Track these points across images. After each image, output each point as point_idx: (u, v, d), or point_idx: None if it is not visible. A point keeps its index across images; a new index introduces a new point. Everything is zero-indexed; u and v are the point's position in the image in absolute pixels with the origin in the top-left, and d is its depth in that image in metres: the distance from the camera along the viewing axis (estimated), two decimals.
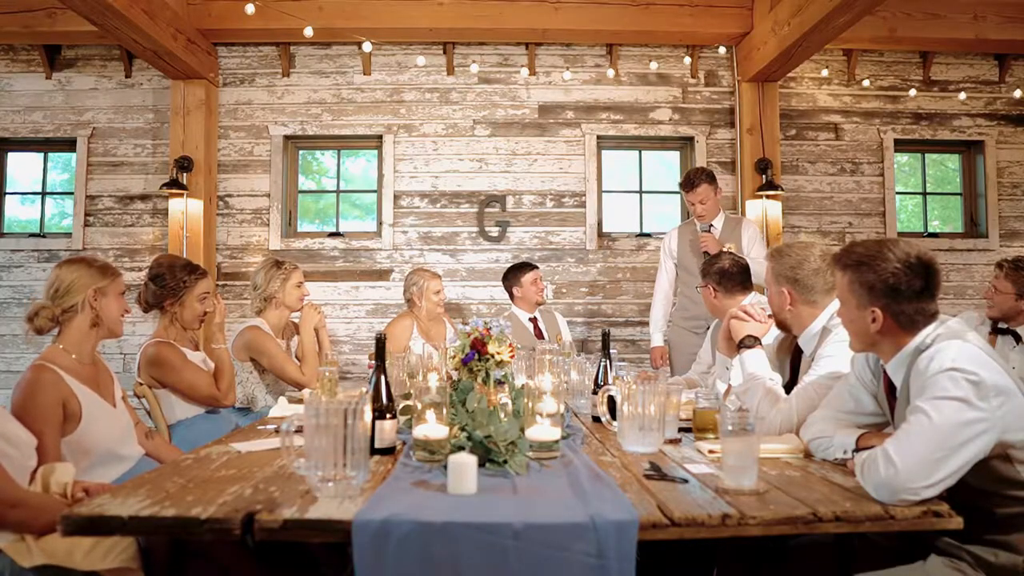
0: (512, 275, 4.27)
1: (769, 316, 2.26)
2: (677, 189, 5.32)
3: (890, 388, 1.65)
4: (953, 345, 1.44)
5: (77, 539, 1.56)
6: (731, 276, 2.80)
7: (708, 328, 3.88)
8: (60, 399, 1.97)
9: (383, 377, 1.79)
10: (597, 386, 2.28)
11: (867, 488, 1.38)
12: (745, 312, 2.26)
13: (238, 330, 3.27)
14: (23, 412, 1.90)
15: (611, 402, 2.04)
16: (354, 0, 4.80)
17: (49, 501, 1.65)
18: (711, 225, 4.00)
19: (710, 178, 3.97)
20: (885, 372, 1.65)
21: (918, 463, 1.32)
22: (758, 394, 2.02)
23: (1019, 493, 1.43)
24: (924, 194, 5.57)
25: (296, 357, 3.35)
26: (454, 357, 2.11)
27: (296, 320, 3.43)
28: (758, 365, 2.12)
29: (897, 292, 1.54)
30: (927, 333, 1.54)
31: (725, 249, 3.79)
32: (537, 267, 4.30)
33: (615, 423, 1.95)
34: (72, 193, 5.17)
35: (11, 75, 5.18)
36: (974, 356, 1.42)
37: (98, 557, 1.59)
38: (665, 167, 5.49)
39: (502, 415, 1.73)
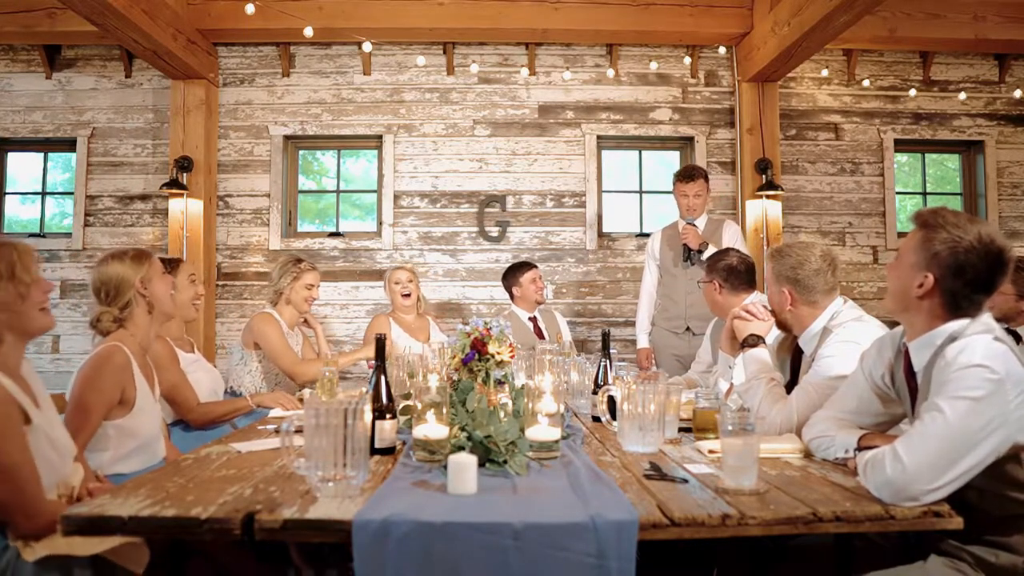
0: (511, 274, 4.27)
1: (772, 314, 2.26)
2: None
3: (910, 370, 1.60)
4: (983, 340, 1.40)
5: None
6: (738, 274, 2.79)
7: (686, 330, 3.94)
8: (121, 385, 2.03)
9: (383, 377, 1.79)
10: (597, 386, 2.28)
11: (869, 487, 1.37)
12: (748, 312, 2.26)
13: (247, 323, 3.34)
14: (87, 384, 1.98)
15: (611, 402, 2.04)
16: (354, 0, 4.80)
17: (61, 511, 1.64)
18: (694, 221, 4.02)
19: (706, 176, 4.05)
20: (907, 352, 1.60)
21: (927, 465, 1.31)
22: (759, 393, 2.02)
23: (1021, 495, 1.43)
24: (924, 194, 5.57)
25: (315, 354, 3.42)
26: (454, 357, 2.11)
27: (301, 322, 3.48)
28: (761, 364, 2.11)
29: (960, 271, 1.47)
30: (962, 325, 1.48)
31: (703, 244, 3.83)
32: (536, 266, 4.29)
33: (615, 423, 1.95)
34: (72, 193, 5.17)
35: (11, 75, 5.18)
36: (1003, 355, 1.38)
37: (98, 540, 1.58)
38: (665, 167, 5.49)
39: (502, 415, 1.73)
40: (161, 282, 2.26)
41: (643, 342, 4.19)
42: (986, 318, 1.50)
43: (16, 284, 1.65)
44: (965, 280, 1.47)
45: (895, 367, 1.67)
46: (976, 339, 1.42)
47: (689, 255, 3.93)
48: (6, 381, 1.57)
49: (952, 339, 1.46)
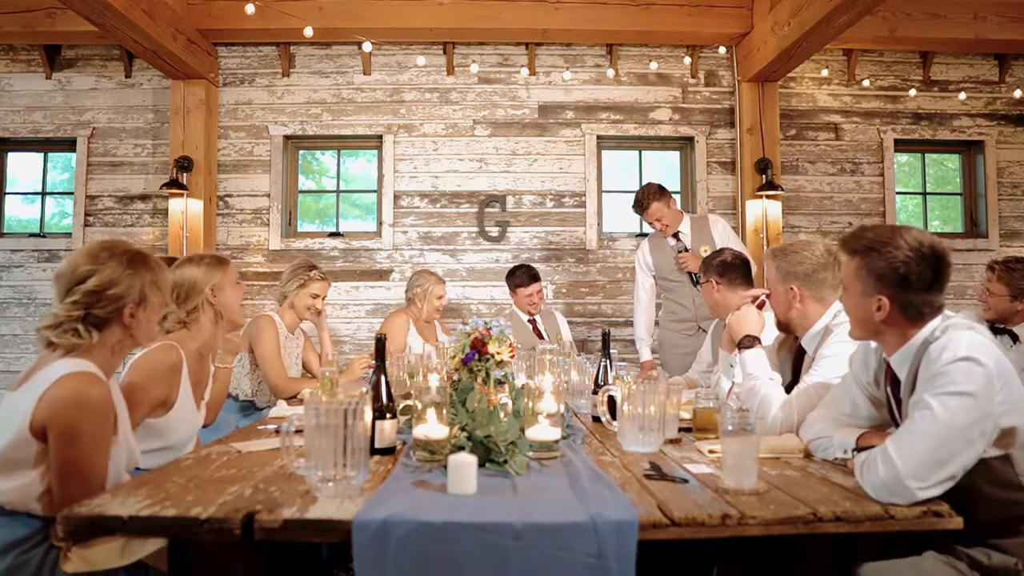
0: (510, 279, 4.21)
1: (775, 315, 2.26)
2: (677, 189, 5.35)
3: (894, 382, 1.62)
4: (966, 335, 1.42)
5: (112, 544, 1.56)
6: (734, 268, 2.78)
7: (699, 330, 3.88)
8: (168, 387, 2.02)
9: (383, 377, 1.79)
10: (597, 386, 2.28)
11: (866, 488, 1.38)
12: (752, 299, 2.27)
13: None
14: (139, 379, 1.95)
15: (611, 402, 2.03)
16: (354, 0, 4.80)
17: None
18: (685, 246, 3.95)
19: (658, 194, 3.91)
20: (888, 365, 1.62)
21: (919, 464, 1.31)
22: (758, 394, 2.02)
23: (1014, 496, 1.43)
24: (924, 194, 5.58)
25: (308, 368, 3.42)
26: (454, 357, 2.11)
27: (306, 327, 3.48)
28: (758, 365, 2.11)
29: (906, 282, 1.50)
30: (934, 326, 1.51)
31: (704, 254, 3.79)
32: (538, 280, 4.18)
33: (615, 423, 1.95)
34: (72, 193, 5.18)
35: (11, 75, 5.18)
36: (986, 347, 1.40)
37: (136, 548, 1.59)
38: (665, 167, 5.49)
39: (502, 415, 1.73)
40: (234, 291, 2.29)
41: (646, 355, 4.13)
42: (959, 317, 1.53)
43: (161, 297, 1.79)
44: (915, 289, 1.51)
45: (879, 377, 1.69)
46: (959, 334, 1.43)
47: (695, 280, 3.86)
48: (116, 391, 1.66)
49: (928, 342, 1.48)
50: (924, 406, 1.37)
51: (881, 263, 1.52)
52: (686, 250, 3.94)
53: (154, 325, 1.78)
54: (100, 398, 1.56)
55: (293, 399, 2.92)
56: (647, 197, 3.92)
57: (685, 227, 3.99)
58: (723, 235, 3.93)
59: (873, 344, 1.72)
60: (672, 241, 4.00)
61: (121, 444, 1.66)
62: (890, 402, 1.66)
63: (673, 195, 4.02)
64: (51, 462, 1.52)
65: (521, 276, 4.18)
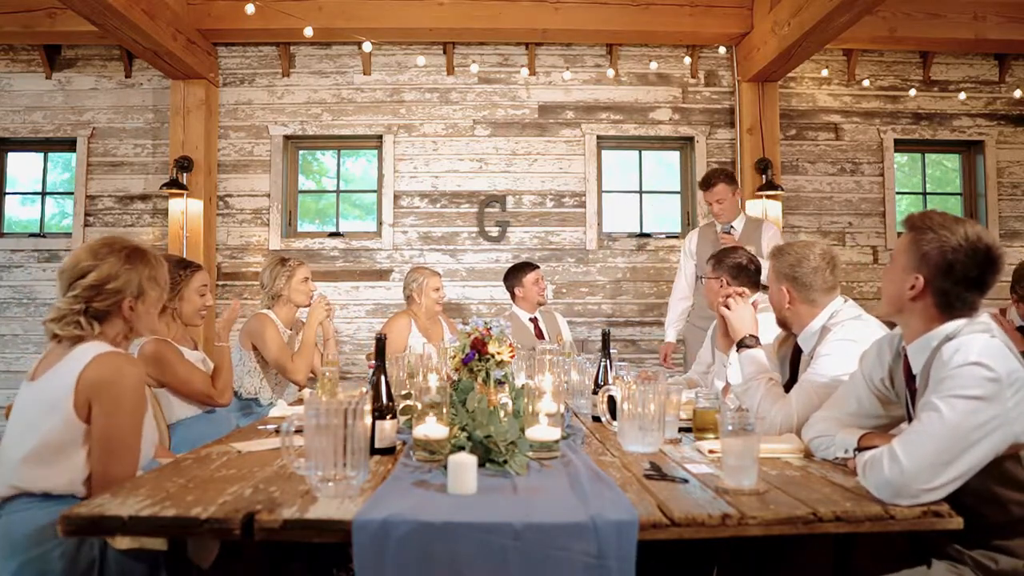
0: (513, 275, 4.27)
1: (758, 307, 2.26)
2: (677, 189, 5.35)
3: (909, 373, 1.61)
4: (980, 339, 1.41)
5: None
6: (747, 273, 2.74)
7: None
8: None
9: (383, 377, 1.79)
10: (597, 386, 2.28)
11: (868, 487, 1.37)
12: (735, 297, 2.25)
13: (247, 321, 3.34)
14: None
15: (611, 402, 2.03)
16: (354, 0, 4.80)
17: None
18: (731, 226, 3.99)
19: (728, 178, 4.00)
20: (905, 355, 1.61)
21: (925, 465, 1.31)
22: (758, 394, 2.02)
23: (1021, 496, 1.42)
24: (924, 194, 5.57)
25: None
26: (454, 357, 2.11)
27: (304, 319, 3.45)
28: (758, 364, 2.11)
29: (949, 269, 1.48)
30: (959, 325, 1.49)
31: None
32: (538, 267, 4.30)
33: (615, 423, 1.95)
34: (72, 193, 5.17)
35: (11, 75, 5.18)
36: (1000, 352, 1.39)
37: None
38: (665, 167, 5.49)
39: (502, 415, 1.73)
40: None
41: (670, 336, 4.21)
42: (984, 318, 1.50)
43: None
44: (955, 279, 1.49)
45: (894, 370, 1.67)
46: (972, 337, 1.42)
47: None
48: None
49: (948, 339, 1.46)
50: (932, 408, 1.36)
51: (932, 244, 1.50)
52: (730, 232, 3.95)
53: (153, 317, 1.84)
54: (138, 375, 1.65)
55: (297, 401, 2.93)
56: (716, 176, 4.00)
57: (739, 223, 4.05)
58: (770, 242, 3.92)
59: (886, 340, 1.71)
60: (719, 228, 4.02)
61: (147, 424, 1.72)
62: (907, 396, 1.64)
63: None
64: (95, 438, 1.59)
65: (523, 267, 4.27)
